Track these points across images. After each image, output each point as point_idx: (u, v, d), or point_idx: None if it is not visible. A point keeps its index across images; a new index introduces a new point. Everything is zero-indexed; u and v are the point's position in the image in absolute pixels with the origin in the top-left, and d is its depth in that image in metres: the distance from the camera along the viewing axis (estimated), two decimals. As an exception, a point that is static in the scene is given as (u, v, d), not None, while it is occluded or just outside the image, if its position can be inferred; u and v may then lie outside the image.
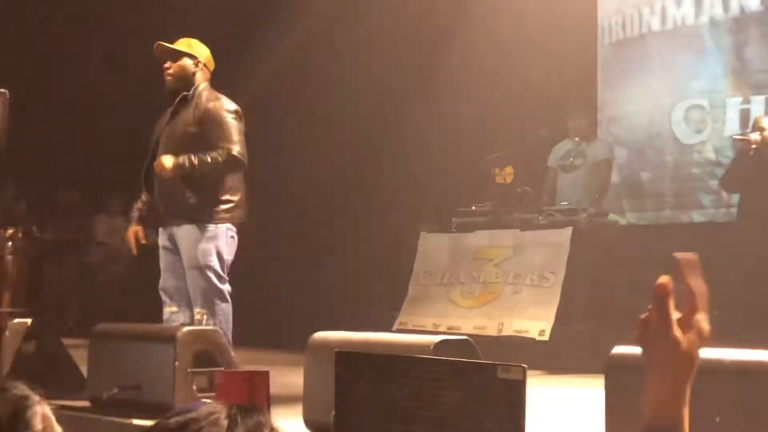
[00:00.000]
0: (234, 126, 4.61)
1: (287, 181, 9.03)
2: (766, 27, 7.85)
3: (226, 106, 4.68)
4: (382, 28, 8.95)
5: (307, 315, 7.19)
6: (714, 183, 7.97)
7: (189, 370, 3.93)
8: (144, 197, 4.83)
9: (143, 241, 4.77)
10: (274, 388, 3.89)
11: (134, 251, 4.77)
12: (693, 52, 8.30)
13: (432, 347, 3.07)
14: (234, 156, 4.56)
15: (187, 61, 4.75)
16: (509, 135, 8.15)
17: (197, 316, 4.57)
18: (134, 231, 4.76)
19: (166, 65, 4.73)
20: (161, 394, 3.87)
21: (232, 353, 4.17)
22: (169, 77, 4.71)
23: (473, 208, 7.65)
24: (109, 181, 9.91)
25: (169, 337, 4.02)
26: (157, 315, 4.85)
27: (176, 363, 3.92)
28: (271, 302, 8.37)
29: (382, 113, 9.15)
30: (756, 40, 7.93)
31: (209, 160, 4.51)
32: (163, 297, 4.77)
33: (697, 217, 8.16)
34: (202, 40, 4.88)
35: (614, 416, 2.81)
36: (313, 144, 9.15)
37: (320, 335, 3.70)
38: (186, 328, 4.13)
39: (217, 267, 4.61)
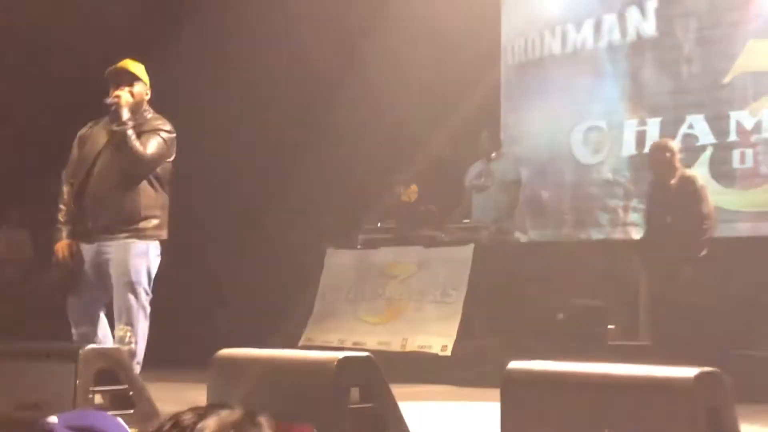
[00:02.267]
0: (161, 141, 4.64)
1: (192, 197, 8.97)
2: (661, 52, 8.18)
3: (166, 127, 4.72)
4: (289, 48, 8.99)
5: (213, 332, 7.16)
6: (612, 202, 8.25)
7: (90, 388, 3.89)
8: (66, 212, 4.75)
9: (75, 253, 4.67)
10: (178, 405, 3.88)
11: (68, 261, 4.67)
12: (592, 76, 8.57)
13: (335, 364, 3.12)
14: (144, 154, 4.57)
15: (141, 87, 4.73)
16: (414, 154, 8.28)
17: (121, 333, 4.53)
18: (67, 244, 4.68)
19: (120, 89, 4.67)
20: (61, 413, 3.81)
21: (136, 372, 4.14)
22: (124, 102, 4.63)
23: (378, 225, 7.74)
24: (5, 193, 9.67)
25: (71, 355, 3.97)
26: (59, 332, 4.76)
27: (77, 381, 3.87)
28: (176, 319, 8.28)
29: (290, 129, 9.18)
30: (651, 64, 8.25)
31: (136, 144, 4.55)
32: (73, 317, 4.70)
33: (595, 234, 8.41)
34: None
35: (509, 429, 2.91)
36: (220, 160, 9.11)
37: (224, 352, 3.72)
38: (88, 346, 4.08)
39: (145, 284, 4.59)
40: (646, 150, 8.11)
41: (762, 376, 5.84)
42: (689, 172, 6.85)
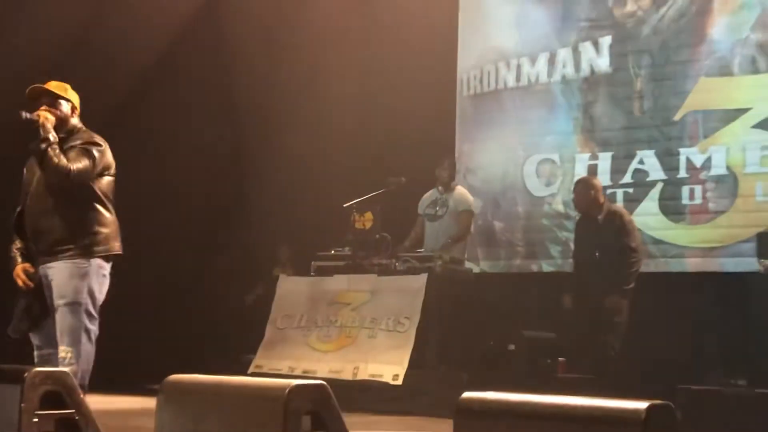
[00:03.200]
0: (87, 155, 4.55)
1: (145, 219, 8.88)
2: (614, 87, 8.31)
3: (94, 140, 4.63)
4: (242, 71, 8.98)
5: (162, 357, 7.06)
6: (563, 234, 8.33)
7: (35, 411, 3.80)
8: (17, 242, 4.68)
9: (33, 276, 4.58)
10: (123, 430, 3.81)
11: (29, 284, 4.58)
12: (546, 109, 8.69)
13: (287, 391, 3.09)
14: (68, 168, 4.49)
15: (65, 107, 4.66)
16: (369, 181, 8.28)
17: (62, 354, 4.44)
18: (22, 267, 4.61)
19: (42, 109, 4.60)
20: (4, 437, 3.73)
21: (83, 396, 4.06)
22: (42, 120, 4.56)
23: (332, 252, 7.72)
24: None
25: (16, 378, 3.89)
26: (24, 355, 4.66)
27: (22, 405, 3.78)
28: (124, 343, 8.17)
29: (243, 154, 9.16)
30: (604, 99, 8.38)
31: (57, 159, 4.45)
32: (35, 338, 4.61)
33: (546, 266, 8.48)
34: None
35: (463, 460, 2.89)
36: (172, 182, 9.04)
37: (173, 378, 3.66)
38: (34, 369, 3.99)
39: (89, 305, 4.51)
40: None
41: (708, 410, 5.90)
42: (615, 207, 6.98)
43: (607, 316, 6.61)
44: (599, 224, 6.82)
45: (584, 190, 6.90)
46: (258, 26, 9.01)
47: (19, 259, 4.63)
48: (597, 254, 6.82)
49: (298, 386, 3.13)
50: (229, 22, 9.15)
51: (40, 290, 4.58)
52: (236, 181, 9.13)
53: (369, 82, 8.92)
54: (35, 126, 4.53)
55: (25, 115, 4.55)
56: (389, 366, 6.89)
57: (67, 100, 4.69)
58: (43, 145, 4.49)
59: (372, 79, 8.88)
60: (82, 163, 4.52)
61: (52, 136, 4.52)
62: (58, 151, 4.49)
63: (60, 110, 4.65)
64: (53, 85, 4.71)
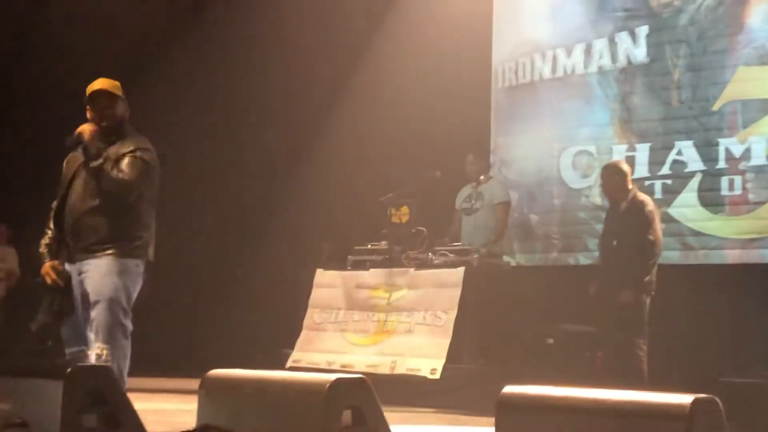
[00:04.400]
0: (141, 163, 4.58)
1: (185, 216, 8.96)
2: (651, 78, 8.22)
3: (146, 146, 4.66)
4: (282, 69, 9.00)
5: (202, 352, 7.12)
6: (599, 227, 8.25)
7: (78, 408, 3.84)
8: (51, 233, 4.72)
9: (62, 273, 4.62)
10: (167, 427, 3.84)
11: (60, 283, 4.62)
12: (582, 100, 8.62)
13: (328, 385, 3.09)
14: (125, 180, 4.53)
15: (121, 106, 4.69)
16: (406, 175, 8.28)
17: (98, 351, 4.47)
18: (51, 265, 4.64)
19: (101, 108, 4.63)
20: (48, 432, 3.77)
21: (125, 391, 4.09)
22: (88, 136, 4.59)
23: (369, 246, 7.72)
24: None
25: (58, 374, 3.92)
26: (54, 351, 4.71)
27: (65, 401, 3.82)
28: (165, 339, 8.24)
29: (283, 150, 9.19)
30: (641, 90, 8.29)
31: (114, 174, 4.50)
32: (65, 336, 4.65)
33: (583, 259, 8.42)
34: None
35: (505, 454, 2.88)
36: (211, 182, 9.09)
37: (214, 373, 3.68)
38: (77, 365, 4.03)
39: (124, 302, 4.54)
40: (636, 175, 8.15)
41: (750, 403, 5.84)
42: (642, 195, 6.76)
43: (620, 310, 6.45)
44: (622, 212, 6.68)
45: (611, 175, 6.75)
46: (293, 26, 9.02)
47: (48, 256, 4.66)
48: (614, 243, 6.69)
49: (338, 380, 3.14)
50: (267, 23, 9.18)
51: (68, 286, 4.61)
52: (278, 176, 9.16)
53: (404, 78, 8.90)
54: (82, 143, 4.56)
55: (68, 141, 4.59)
56: (427, 360, 6.87)
57: (123, 100, 4.71)
58: (95, 163, 4.51)
59: (407, 74, 8.86)
60: (138, 173, 4.55)
61: (102, 149, 4.53)
62: (111, 166, 4.51)
63: (116, 112, 4.66)
64: (109, 84, 4.71)
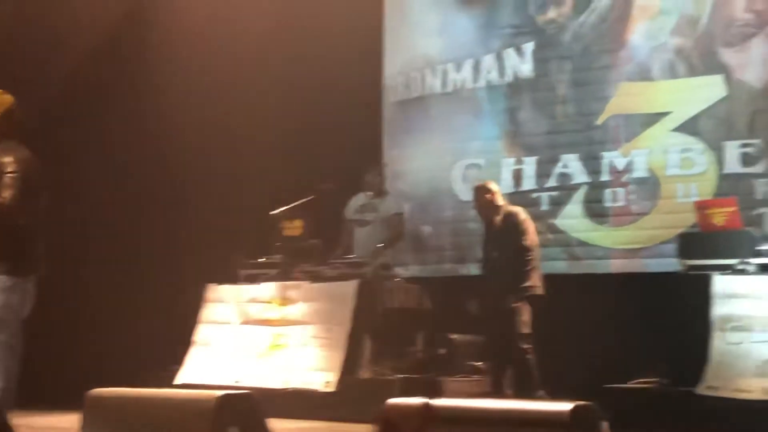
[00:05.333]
0: (12, 181, 4.42)
1: (68, 230, 8.72)
2: (537, 93, 8.44)
3: (11, 159, 4.48)
4: (175, 81, 8.87)
5: (86, 370, 6.93)
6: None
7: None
8: None
9: None
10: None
11: None
12: (471, 115, 8.78)
13: (214, 402, 3.07)
14: (5, 205, 4.37)
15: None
16: (299, 188, 8.27)
17: None
18: None
19: None
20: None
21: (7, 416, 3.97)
22: None
23: (262, 260, 7.68)
24: None
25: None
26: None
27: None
28: (47, 358, 8.00)
29: (171, 161, 9.05)
30: (528, 105, 8.50)
31: None
32: None
33: (475, 270, 8.54)
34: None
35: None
36: (97, 195, 8.88)
37: (97, 392, 3.61)
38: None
39: (11, 321, 4.38)
40: (523, 188, 8.38)
41: (633, 409, 6.03)
42: (513, 207, 7.01)
43: (510, 318, 6.63)
44: (497, 227, 6.91)
45: (482, 195, 6.99)
46: (179, 32, 8.91)
47: None
48: (495, 254, 6.89)
49: (224, 397, 3.12)
50: (149, 33, 9.04)
51: None
52: (164, 190, 9.02)
53: (294, 90, 8.90)
54: None
55: None
56: (321, 373, 6.88)
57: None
58: None
59: (298, 86, 8.87)
60: (13, 193, 4.39)
61: None
62: None
63: None
64: None
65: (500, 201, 6.95)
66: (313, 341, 7.07)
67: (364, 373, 7.02)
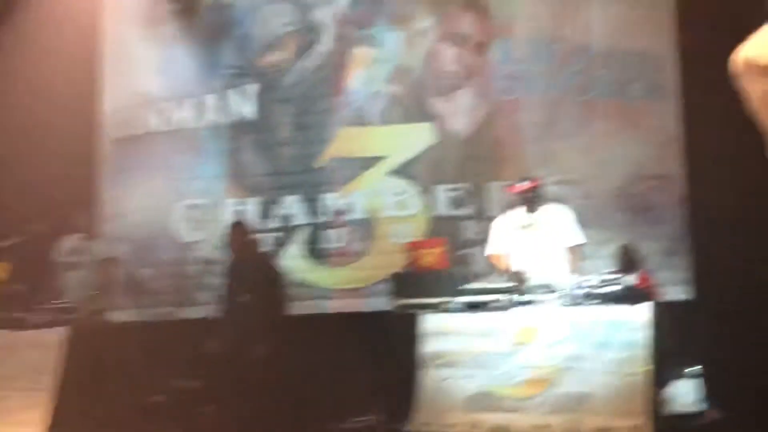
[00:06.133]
0: None
1: None
2: (260, 134, 8.48)
3: None
4: None
5: None
6: (211, 280, 8.29)
7: None
8: None
9: None
10: None
11: None
12: (193, 154, 8.66)
13: None
14: None
15: None
16: (5, 229, 7.77)
17: None
18: None
19: None
20: None
21: None
22: None
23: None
24: None
25: None
26: None
27: None
28: None
29: None
30: (251, 146, 8.51)
31: None
32: None
33: (194, 313, 8.40)
34: None
35: None
36: None
37: None
38: None
39: None
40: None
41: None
42: (269, 254, 7.07)
43: (258, 359, 6.60)
44: (250, 269, 6.85)
45: (238, 233, 6.91)
46: None
47: None
48: (246, 297, 6.83)
49: None
50: None
51: None
52: None
53: (4, 123, 8.39)
54: None
55: None
56: (24, 428, 6.44)
57: None
58: None
59: (6, 125, 8.36)
60: None
61: None
62: None
63: None
64: None
65: (256, 242, 6.86)
66: (16, 394, 6.61)
67: (75, 427, 6.64)
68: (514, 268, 6.12)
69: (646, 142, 7.53)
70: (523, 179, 6.29)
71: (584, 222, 6.34)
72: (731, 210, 6.81)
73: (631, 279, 6.95)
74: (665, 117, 7.53)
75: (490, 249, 6.36)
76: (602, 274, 5.68)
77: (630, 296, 5.50)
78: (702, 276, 7.32)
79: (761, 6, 2.74)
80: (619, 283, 5.54)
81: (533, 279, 5.93)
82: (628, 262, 7.24)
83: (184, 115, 8.72)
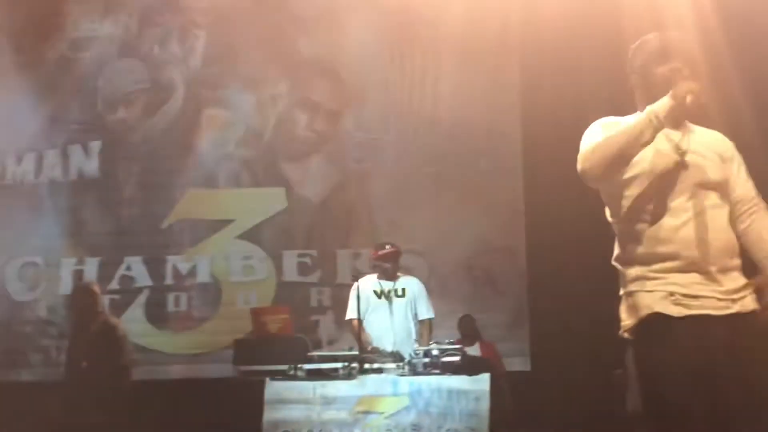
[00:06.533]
0: None
1: None
2: (102, 192, 8.23)
3: None
4: None
5: None
6: (45, 341, 7.91)
7: None
8: None
9: None
10: None
11: None
12: (31, 210, 8.30)
13: None
14: None
15: None
16: None
17: None
18: None
19: None
20: None
21: None
22: None
23: None
24: None
25: None
26: None
27: None
28: None
29: None
30: (93, 204, 8.24)
31: None
32: None
33: (26, 376, 7.97)
34: None
35: None
36: None
37: None
38: None
39: None
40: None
41: None
42: (113, 320, 6.75)
43: (97, 425, 6.30)
44: (92, 335, 6.55)
45: (81, 295, 6.59)
46: None
47: None
48: (84, 364, 6.52)
49: None
50: None
51: None
52: None
53: None
54: None
55: None
56: None
57: None
58: None
59: None
60: None
61: None
62: None
63: None
64: None
65: (100, 307, 6.52)
66: None
67: None
68: (365, 334, 6.11)
69: (492, 214, 7.73)
70: (385, 244, 6.31)
71: (430, 292, 6.40)
72: (568, 284, 7.05)
73: (474, 349, 7.08)
74: (510, 191, 7.77)
75: (349, 314, 6.32)
76: (445, 344, 5.72)
77: (471, 366, 5.56)
78: (539, 348, 7.52)
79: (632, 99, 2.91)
80: (460, 354, 5.59)
81: (381, 347, 5.93)
82: (470, 332, 7.35)
83: (23, 169, 8.37)
